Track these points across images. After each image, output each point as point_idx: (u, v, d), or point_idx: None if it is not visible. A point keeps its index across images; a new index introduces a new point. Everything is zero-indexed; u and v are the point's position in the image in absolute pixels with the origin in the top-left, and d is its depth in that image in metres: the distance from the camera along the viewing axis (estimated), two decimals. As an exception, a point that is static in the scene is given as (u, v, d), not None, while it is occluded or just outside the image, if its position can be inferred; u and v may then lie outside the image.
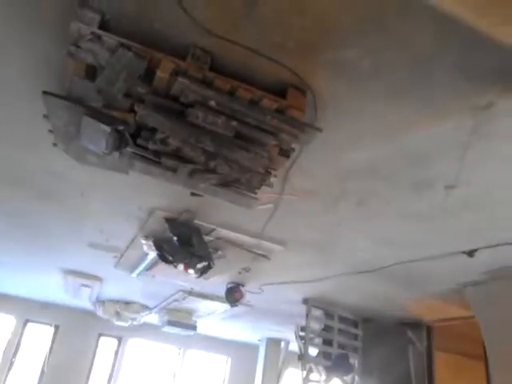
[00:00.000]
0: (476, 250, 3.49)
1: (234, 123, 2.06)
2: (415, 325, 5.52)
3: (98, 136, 2.14)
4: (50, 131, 2.41)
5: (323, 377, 5.35)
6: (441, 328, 5.43)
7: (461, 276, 4.12)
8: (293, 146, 2.31)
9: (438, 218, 3.12)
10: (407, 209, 3.09)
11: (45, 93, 2.06)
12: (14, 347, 9.15)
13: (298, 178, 2.88)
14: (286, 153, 2.34)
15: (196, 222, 3.81)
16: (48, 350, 9.29)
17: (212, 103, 1.98)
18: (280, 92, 2.07)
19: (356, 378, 5.63)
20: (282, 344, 9.03)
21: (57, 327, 9.45)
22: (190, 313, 7.21)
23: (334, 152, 2.57)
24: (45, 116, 2.27)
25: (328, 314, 5.61)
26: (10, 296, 8.84)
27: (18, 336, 9.25)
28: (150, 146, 2.18)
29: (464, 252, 3.56)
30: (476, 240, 3.40)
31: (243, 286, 5.31)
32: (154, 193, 3.40)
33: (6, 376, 8.99)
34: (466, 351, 5.49)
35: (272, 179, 2.50)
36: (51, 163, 3.12)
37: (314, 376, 5.45)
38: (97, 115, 2.05)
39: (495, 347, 3.94)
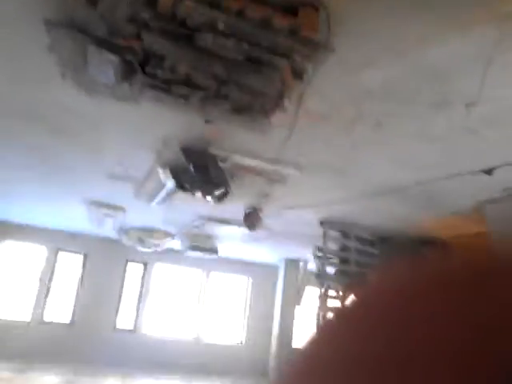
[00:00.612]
0: (495, 168, 3.45)
1: (245, 46, 1.98)
2: (431, 242, 5.63)
3: (105, 66, 2.09)
4: (57, 64, 2.36)
5: (340, 293, 5.60)
6: (455, 244, 5.54)
7: (479, 194, 4.12)
8: (306, 67, 2.23)
9: (458, 137, 3.05)
10: (426, 129, 3.02)
11: (47, 23, 1.99)
12: (48, 274, 9.75)
13: (313, 101, 2.81)
14: (299, 75, 2.26)
15: (211, 149, 3.82)
16: (80, 276, 9.89)
17: (220, 25, 1.89)
18: (292, 11, 1.95)
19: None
20: (301, 264, 9.39)
21: (85, 255, 9.98)
22: (210, 237, 7.47)
23: (349, 73, 2.47)
24: (49, 47, 2.21)
25: (345, 235, 5.74)
26: (40, 228, 9.28)
27: (52, 264, 9.82)
28: (160, 74, 2.13)
29: (483, 170, 3.52)
30: (495, 158, 3.34)
31: (261, 210, 5.41)
32: (168, 123, 3.38)
33: (45, 301, 9.68)
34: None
35: (286, 103, 2.45)
36: (63, 98, 3.10)
37: (331, 292, 5.70)
38: (103, 44, 1.99)
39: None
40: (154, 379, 8.40)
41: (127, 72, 2.16)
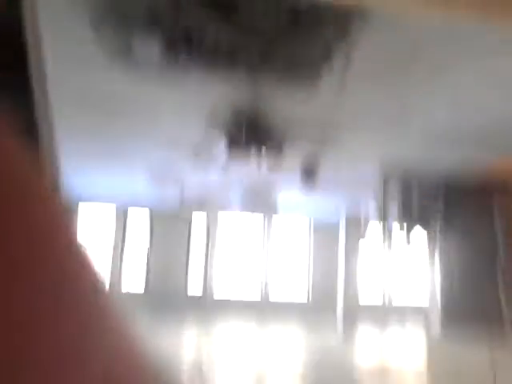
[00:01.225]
0: None
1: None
2: (500, 188, 5.39)
3: (150, 47, 2.11)
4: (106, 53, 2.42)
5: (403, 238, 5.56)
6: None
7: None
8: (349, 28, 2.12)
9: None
10: (487, 69, 2.82)
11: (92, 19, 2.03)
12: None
13: (363, 53, 2.67)
14: (342, 36, 2.16)
15: (262, 113, 3.80)
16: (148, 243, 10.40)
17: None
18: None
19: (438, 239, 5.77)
20: (363, 214, 9.34)
21: (151, 225, 10.39)
22: (271, 197, 7.54)
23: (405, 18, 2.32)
24: (95, 40, 2.26)
25: (406, 184, 5.60)
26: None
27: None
28: (202, 48, 2.12)
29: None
30: None
31: (318, 166, 5.38)
32: (218, 90, 3.37)
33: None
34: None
35: (334, 63, 2.37)
36: (115, 84, 3.18)
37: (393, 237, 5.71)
38: (144, 27, 2.01)
39: None
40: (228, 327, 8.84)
41: (171, 50, 2.17)
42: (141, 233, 10.61)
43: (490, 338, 5.15)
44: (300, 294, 11.34)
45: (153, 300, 10.02)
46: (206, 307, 10.35)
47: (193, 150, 5.17)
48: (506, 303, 5.13)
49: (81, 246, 0.19)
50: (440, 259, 5.75)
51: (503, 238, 5.30)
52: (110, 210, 10.12)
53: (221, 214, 8.89)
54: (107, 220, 10.41)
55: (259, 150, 4.25)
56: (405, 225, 5.50)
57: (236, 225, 10.78)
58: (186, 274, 10.62)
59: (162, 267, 10.32)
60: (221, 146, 4.65)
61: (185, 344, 8.13)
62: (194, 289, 10.72)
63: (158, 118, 4.25)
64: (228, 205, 8.30)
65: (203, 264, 10.85)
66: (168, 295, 10.15)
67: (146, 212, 10.23)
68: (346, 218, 9.50)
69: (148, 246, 10.49)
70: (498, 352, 5.25)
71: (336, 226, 10.00)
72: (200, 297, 10.59)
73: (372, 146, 4.68)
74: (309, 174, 5.42)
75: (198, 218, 9.42)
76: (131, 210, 10.21)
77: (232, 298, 10.77)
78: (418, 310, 9.86)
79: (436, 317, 5.72)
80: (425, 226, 5.52)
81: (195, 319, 9.75)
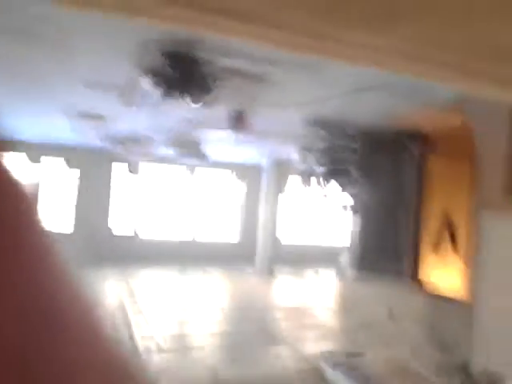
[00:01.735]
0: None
1: None
2: (412, 135, 5.82)
3: None
4: None
5: (322, 183, 5.92)
6: (437, 136, 5.75)
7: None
8: None
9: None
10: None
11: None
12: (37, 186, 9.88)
13: None
14: None
15: (194, 53, 3.74)
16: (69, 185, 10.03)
17: None
18: None
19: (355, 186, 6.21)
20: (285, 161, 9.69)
21: (68, 160, 9.98)
22: (198, 143, 7.53)
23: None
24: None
25: (329, 132, 5.87)
26: (26, 141, 9.16)
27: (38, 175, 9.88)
28: None
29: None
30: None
31: (246, 112, 5.44)
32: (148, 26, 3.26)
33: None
34: (456, 154, 5.91)
35: None
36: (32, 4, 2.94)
37: (313, 182, 6.04)
38: None
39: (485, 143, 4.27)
40: (153, 272, 9.04)
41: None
42: (63, 174, 10.18)
43: (393, 276, 5.80)
44: (226, 235, 11.71)
45: (80, 240, 9.86)
46: (133, 246, 10.40)
47: (118, 93, 4.97)
48: (404, 242, 5.80)
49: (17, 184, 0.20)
50: (354, 204, 6.23)
51: (413, 185, 5.85)
52: (27, 152, 9.53)
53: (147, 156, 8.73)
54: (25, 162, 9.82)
55: (188, 95, 4.21)
56: (323, 173, 5.84)
57: (161, 172, 10.72)
58: (108, 214, 10.50)
59: (88, 208, 10.09)
60: (147, 86, 4.52)
61: (110, 287, 8.21)
62: (121, 229, 10.69)
63: (80, 57, 4.01)
64: (156, 150, 8.16)
65: (128, 206, 10.75)
66: (94, 235, 10.03)
67: (66, 153, 9.76)
68: (270, 164, 9.79)
69: (73, 187, 10.13)
70: (396, 288, 5.98)
71: (260, 171, 10.29)
72: (127, 236, 10.58)
73: (297, 96, 4.82)
74: (238, 119, 5.48)
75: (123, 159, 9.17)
76: (50, 151, 9.68)
77: (159, 238, 10.89)
78: (333, 251, 10.66)
79: (348, 258, 6.30)
80: (342, 173, 5.89)
81: (122, 259, 9.79)
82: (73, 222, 10.07)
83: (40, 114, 6.57)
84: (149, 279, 8.81)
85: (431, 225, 6.12)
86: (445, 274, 5.84)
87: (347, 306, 7.20)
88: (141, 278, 8.88)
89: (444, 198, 6.17)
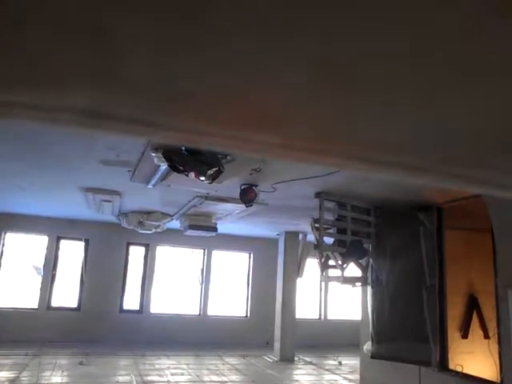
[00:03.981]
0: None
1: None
2: (426, 208, 5.70)
3: None
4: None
5: (339, 262, 5.70)
6: (450, 208, 5.61)
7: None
8: None
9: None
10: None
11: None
12: (52, 262, 9.88)
13: None
14: None
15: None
16: (83, 261, 10.02)
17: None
18: None
19: (370, 260, 5.99)
20: (300, 236, 9.51)
21: (87, 241, 10.08)
22: (209, 216, 7.54)
23: None
24: None
25: (341, 205, 5.80)
26: (40, 217, 9.34)
27: (54, 252, 9.94)
28: None
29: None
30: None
31: (256, 186, 5.46)
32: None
33: (51, 287, 9.83)
34: (474, 227, 5.72)
35: None
36: None
37: (331, 262, 5.81)
38: None
39: (501, 219, 4.11)
40: (165, 357, 8.63)
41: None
42: (76, 250, 10.20)
43: (415, 356, 5.38)
44: (240, 310, 11.34)
45: (86, 315, 9.65)
46: (142, 322, 10.10)
47: (130, 169, 5.08)
48: (430, 324, 5.38)
49: None
50: (372, 281, 5.97)
51: (428, 259, 5.59)
52: (42, 229, 9.65)
53: (160, 234, 8.73)
54: (40, 239, 9.94)
55: (197, 171, 4.26)
56: (339, 247, 5.67)
57: (175, 246, 10.70)
58: (123, 290, 10.34)
59: (97, 284, 9.97)
60: (160, 166, 4.61)
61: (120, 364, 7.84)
62: (130, 305, 10.49)
63: (92, 135, 4.14)
64: (168, 223, 8.18)
65: (141, 282, 10.59)
66: (102, 310, 9.82)
67: (81, 230, 9.84)
68: (285, 235, 9.66)
69: (83, 263, 10.09)
70: (422, 370, 5.50)
71: (275, 243, 10.13)
72: (136, 311, 10.34)
73: (307, 170, 4.83)
74: (248, 193, 5.49)
75: (138, 237, 9.18)
76: (65, 228, 9.79)
77: (170, 314, 10.59)
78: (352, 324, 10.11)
79: (371, 346, 5.90)
80: (356, 247, 5.71)
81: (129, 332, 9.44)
82: (81, 296, 9.92)
83: (55, 190, 6.70)
84: (158, 362, 8.41)
85: (456, 305, 5.76)
86: (476, 361, 5.38)
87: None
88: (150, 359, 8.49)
89: (467, 275, 5.87)
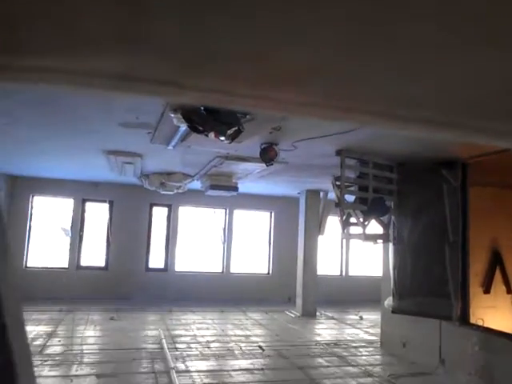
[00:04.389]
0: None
1: None
2: (450, 163, 5.58)
3: None
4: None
5: (361, 219, 5.71)
6: (476, 164, 5.49)
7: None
8: None
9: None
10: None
11: None
12: (78, 224, 10.19)
13: None
14: None
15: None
16: (108, 222, 10.29)
17: None
18: None
19: (392, 218, 5.97)
20: (321, 194, 9.51)
21: (111, 202, 10.31)
22: (229, 176, 7.58)
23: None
24: None
25: (362, 162, 5.74)
26: (65, 181, 9.57)
27: (80, 214, 10.23)
28: None
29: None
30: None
31: (276, 144, 5.43)
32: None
33: (79, 248, 10.19)
34: (500, 183, 5.61)
35: None
36: None
37: (352, 219, 5.82)
38: None
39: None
40: (191, 313, 8.96)
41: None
42: (101, 212, 10.46)
43: (436, 310, 5.44)
44: (262, 268, 11.57)
45: (114, 274, 10.04)
46: (167, 279, 10.45)
47: (150, 132, 5.09)
48: (452, 280, 5.40)
49: None
50: (393, 238, 5.98)
51: (451, 215, 5.53)
52: (69, 193, 9.89)
53: (182, 194, 8.85)
54: (66, 202, 10.20)
55: (217, 131, 4.24)
56: (361, 205, 5.66)
57: (197, 206, 10.85)
58: (148, 250, 10.65)
59: (123, 244, 10.27)
60: (179, 127, 4.60)
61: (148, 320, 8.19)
62: (156, 263, 10.82)
63: (111, 98, 4.15)
64: (189, 184, 8.27)
65: (165, 242, 10.85)
66: (129, 269, 10.18)
67: (105, 192, 10.05)
68: (306, 194, 9.67)
69: (108, 224, 10.36)
70: (443, 324, 5.58)
71: (296, 202, 10.16)
72: (161, 269, 10.67)
73: (328, 127, 4.76)
74: (268, 152, 5.47)
75: (160, 198, 9.34)
76: (89, 190, 10.01)
77: (194, 272, 10.88)
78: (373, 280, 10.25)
79: (392, 301, 5.96)
80: (378, 204, 5.69)
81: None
82: (108, 255, 10.27)
83: (79, 154, 6.81)
84: (183, 315, 8.74)
85: (478, 261, 5.75)
86: (498, 315, 5.42)
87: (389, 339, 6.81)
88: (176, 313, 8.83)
89: (491, 231, 5.82)
